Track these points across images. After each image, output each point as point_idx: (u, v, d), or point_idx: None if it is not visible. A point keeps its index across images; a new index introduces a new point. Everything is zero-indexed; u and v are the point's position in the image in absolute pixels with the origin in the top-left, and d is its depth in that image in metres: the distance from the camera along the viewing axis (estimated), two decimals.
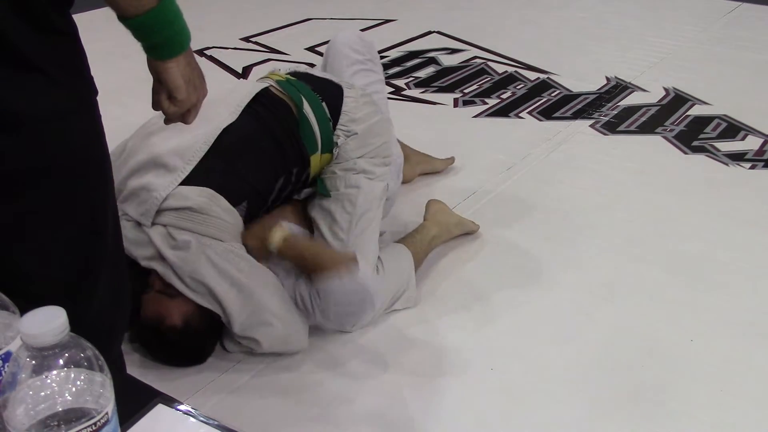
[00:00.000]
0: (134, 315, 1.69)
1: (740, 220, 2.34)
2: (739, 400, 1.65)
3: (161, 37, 1.02)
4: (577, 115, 3.09)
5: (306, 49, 3.89)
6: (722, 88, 3.37)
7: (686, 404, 1.64)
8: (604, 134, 2.94)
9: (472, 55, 3.81)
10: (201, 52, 3.74)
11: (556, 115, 3.11)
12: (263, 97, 1.90)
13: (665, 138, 2.90)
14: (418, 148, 2.84)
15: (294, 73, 2.07)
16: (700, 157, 2.75)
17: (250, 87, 1.93)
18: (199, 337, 1.71)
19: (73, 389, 0.67)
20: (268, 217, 1.81)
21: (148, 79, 1.10)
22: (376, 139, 1.97)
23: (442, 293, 2.01)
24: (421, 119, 3.07)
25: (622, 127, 2.99)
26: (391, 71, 3.58)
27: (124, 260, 1.22)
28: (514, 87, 3.40)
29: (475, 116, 3.10)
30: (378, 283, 1.80)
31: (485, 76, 3.54)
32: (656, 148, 2.83)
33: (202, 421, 0.88)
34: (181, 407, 0.89)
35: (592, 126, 3.00)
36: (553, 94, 3.31)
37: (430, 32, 4.16)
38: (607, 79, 3.48)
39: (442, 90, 3.37)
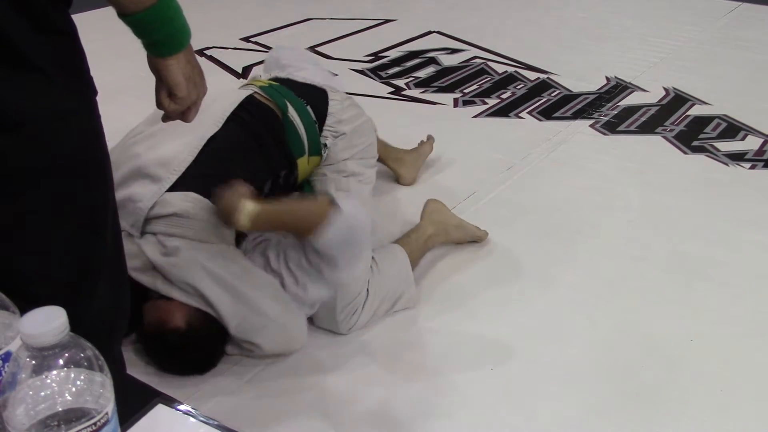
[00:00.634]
0: (138, 327, 1.70)
1: (740, 220, 2.34)
2: (739, 400, 1.65)
3: (162, 34, 1.02)
4: (577, 115, 3.09)
5: (306, 49, 3.89)
6: (722, 88, 3.37)
7: (686, 404, 1.64)
8: (604, 134, 2.94)
9: (472, 55, 3.81)
10: (201, 52, 3.74)
11: (556, 115, 3.11)
12: (248, 104, 1.90)
13: (665, 138, 2.90)
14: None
15: (276, 79, 2.09)
16: (700, 157, 2.75)
17: (235, 96, 1.92)
18: (204, 338, 1.67)
19: (73, 389, 0.67)
20: (228, 194, 1.63)
21: (148, 79, 1.10)
22: (362, 140, 2.00)
23: (441, 293, 2.01)
24: (421, 119, 3.07)
25: (622, 127, 2.99)
26: (391, 71, 3.58)
27: (124, 260, 1.22)
28: (514, 87, 3.40)
29: (475, 116, 3.10)
30: (360, 209, 1.70)
31: (485, 76, 3.54)
32: (656, 148, 2.83)
33: (202, 421, 0.88)
34: (181, 407, 0.89)
35: (592, 126, 3.00)
36: (553, 94, 3.31)
37: (430, 32, 4.16)
38: (607, 79, 3.48)
39: (442, 90, 3.37)
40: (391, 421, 1.60)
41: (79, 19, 1.00)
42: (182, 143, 1.74)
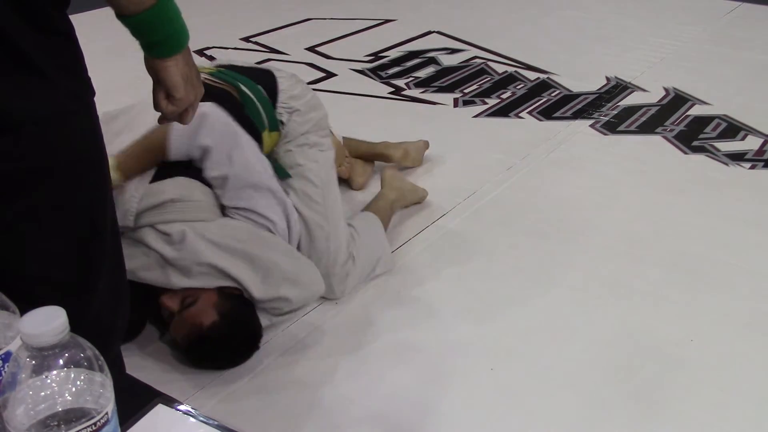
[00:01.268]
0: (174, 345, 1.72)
1: (740, 220, 2.34)
2: (739, 400, 1.65)
3: (161, 35, 1.02)
4: (577, 115, 3.09)
5: (306, 49, 3.90)
6: (722, 88, 3.37)
7: (686, 404, 1.64)
8: (604, 134, 2.94)
9: (472, 55, 3.81)
10: (201, 52, 3.74)
11: (556, 115, 3.11)
12: None
13: (665, 138, 2.90)
14: None
15: (219, 65, 2.12)
16: (700, 157, 2.75)
17: None
18: (240, 315, 1.71)
19: (73, 389, 0.67)
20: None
21: (145, 79, 1.09)
22: (315, 113, 2.06)
23: (441, 293, 2.01)
24: (421, 119, 3.07)
25: (622, 127, 2.99)
26: (391, 71, 3.58)
27: (123, 260, 1.22)
28: (514, 87, 3.40)
29: (475, 116, 3.10)
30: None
31: (485, 76, 3.54)
32: (656, 148, 2.83)
33: (201, 421, 0.88)
34: (181, 407, 0.89)
35: (592, 126, 3.00)
36: (553, 94, 3.31)
37: (430, 32, 4.16)
38: (607, 79, 3.48)
39: (442, 90, 3.37)
40: (391, 421, 1.60)
41: (78, 19, 1.00)
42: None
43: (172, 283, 1.67)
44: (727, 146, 2.82)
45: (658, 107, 3.18)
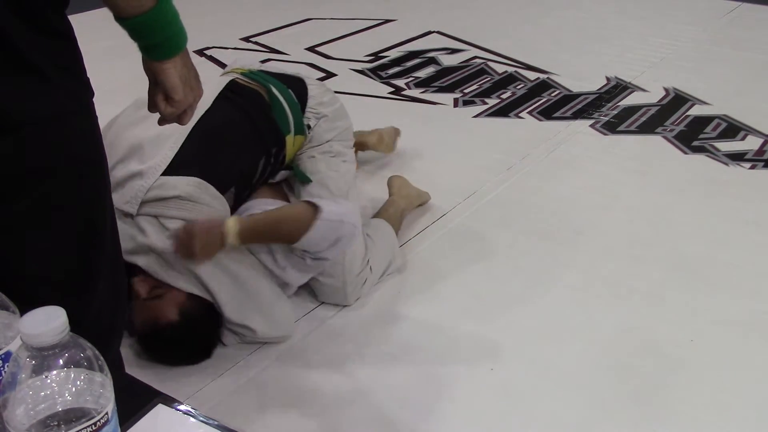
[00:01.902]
0: (131, 328, 1.71)
1: (740, 220, 2.34)
2: (739, 400, 1.65)
3: (159, 37, 1.02)
4: (577, 115, 3.09)
5: (306, 49, 3.90)
6: (722, 88, 3.37)
7: (686, 404, 1.64)
8: (604, 134, 2.94)
9: (472, 55, 3.81)
10: (201, 52, 3.74)
11: (556, 115, 3.11)
12: (233, 87, 1.97)
13: (665, 138, 2.90)
14: (418, 147, 2.85)
15: (250, 70, 2.13)
16: (700, 157, 2.75)
17: (219, 80, 2.00)
18: (199, 325, 1.70)
19: (73, 389, 0.67)
20: (198, 228, 1.65)
21: (144, 79, 1.09)
22: (342, 122, 2.09)
23: (441, 293, 2.01)
24: (421, 119, 3.07)
25: (622, 127, 2.99)
26: (391, 71, 3.58)
27: (123, 260, 1.22)
28: (514, 87, 3.40)
29: (475, 116, 3.10)
30: (343, 205, 1.80)
31: (485, 76, 3.54)
32: (656, 148, 2.83)
33: (202, 421, 0.88)
34: (181, 407, 0.89)
35: (592, 126, 3.00)
36: (553, 94, 3.31)
37: (430, 32, 4.16)
38: (607, 79, 3.48)
39: (442, 90, 3.37)
40: (391, 422, 1.60)
41: (78, 19, 1.01)
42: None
43: (152, 269, 1.67)
44: (727, 146, 2.82)
45: (658, 107, 3.18)
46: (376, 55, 3.80)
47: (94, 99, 1.04)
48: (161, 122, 1.15)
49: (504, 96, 3.30)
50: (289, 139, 1.97)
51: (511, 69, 3.62)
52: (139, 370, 1.70)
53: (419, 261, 2.14)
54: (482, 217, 2.34)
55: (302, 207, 1.73)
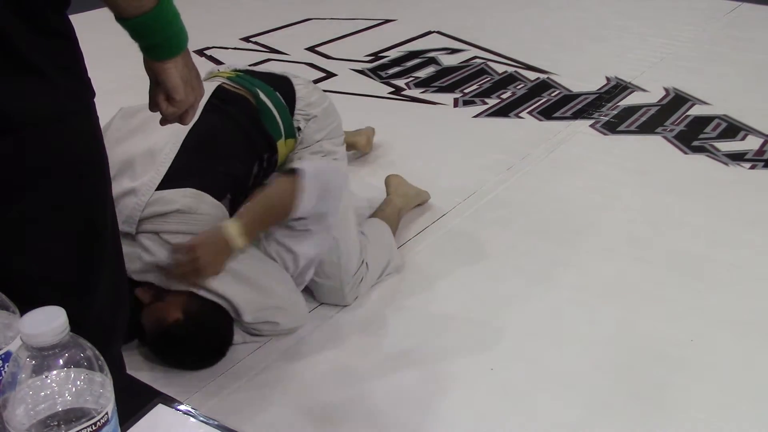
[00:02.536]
0: (141, 334, 1.72)
1: (740, 220, 2.34)
2: (739, 400, 1.65)
3: (160, 37, 1.02)
4: (577, 115, 3.09)
5: (306, 49, 3.90)
6: (722, 88, 3.37)
7: (686, 404, 1.64)
8: (604, 134, 2.94)
9: (472, 55, 3.81)
10: (201, 52, 3.74)
11: (556, 115, 3.11)
12: (219, 93, 1.93)
13: (665, 138, 2.90)
14: (417, 147, 2.85)
15: (237, 70, 2.12)
16: (700, 157, 2.75)
17: (206, 86, 1.96)
18: (207, 319, 1.70)
19: (73, 389, 0.67)
20: (202, 240, 1.65)
21: (145, 79, 1.09)
22: (331, 120, 2.07)
23: (441, 293, 2.01)
24: (421, 119, 3.07)
25: (622, 127, 2.99)
26: (391, 71, 3.58)
27: (123, 260, 1.22)
28: (514, 87, 3.40)
29: (475, 116, 3.10)
30: (322, 163, 1.83)
31: (485, 76, 3.54)
32: (656, 148, 2.83)
33: (202, 421, 0.88)
34: (181, 407, 0.89)
35: (592, 126, 3.00)
36: (553, 94, 3.31)
37: (430, 32, 4.16)
38: (607, 79, 3.48)
39: (442, 90, 3.37)
40: (391, 422, 1.60)
41: (79, 19, 1.01)
42: (165, 135, 1.74)
43: (166, 284, 1.67)
44: (727, 146, 2.82)
45: (658, 107, 3.18)
46: (376, 55, 3.81)
47: (95, 99, 1.04)
48: (163, 122, 1.14)
49: (504, 96, 3.30)
50: (280, 143, 1.95)
51: (511, 69, 3.62)
52: (139, 370, 1.70)
53: (419, 261, 2.14)
54: (482, 217, 2.34)
55: (283, 179, 1.76)
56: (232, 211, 1.79)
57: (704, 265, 2.12)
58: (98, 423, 0.67)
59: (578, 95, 3.30)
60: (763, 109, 3.13)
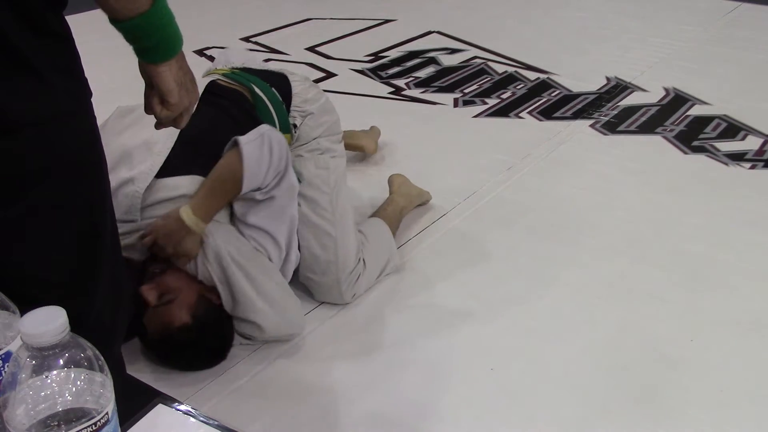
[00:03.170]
0: (142, 338, 1.72)
1: (740, 220, 2.34)
2: (739, 400, 1.65)
3: (154, 40, 1.01)
4: (577, 115, 3.09)
5: (306, 49, 3.90)
6: (722, 88, 3.37)
7: (686, 404, 1.64)
8: (604, 134, 2.94)
9: (472, 55, 3.81)
10: (201, 52, 3.74)
11: (556, 115, 3.11)
12: (213, 88, 1.94)
13: (665, 138, 2.90)
14: (417, 147, 2.85)
15: (233, 68, 2.11)
16: (700, 157, 2.75)
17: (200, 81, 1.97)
18: (212, 324, 1.70)
19: (73, 389, 0.67)
20: (158, 224, 1.68)
21: (141, 80, 1.09)
22: (328, 117, 2.06)
23: (441, 293, 2.01)
24: (421, 119, 3.07)
25: (622, 127, 2.99)
26: (391, 71, 3.58)
27: (123, 260, 1.22)
28: (514, 87, 3.40)
29: (475, 116, 3.10)
30: (253, 132, 1.79)
31: (485, 76, 3.54)
32: (656, 148, 2.83)
33: (202, 421, 0.88)
34: (181, 407, 0.89)
35: (592, 126, 3.00)
36: (553, 94, 3.31)
37: (430, 32, 4.16)
38: (607, 79, 3.48)
39: (442, 90, 3.37)
40: (391, 422, 1.60)
41: (77, 19, 1.01)
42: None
43: (190, 268, 1.68)
44: (727, 146, 2.82)
45: (658, 107, 3.18)
46: (376, 55, 3.81)
47: (92, 99, 1.04)
48: (158, 126, 1.14)
49: (504, 96, 3.30)
50: None
51: (511, 69, 3.62)
52: (139, 371, 1.70)
53: (419, 261, 2.14)
54: (482, 217, 2.34)
55: (225, 155, 1.74)
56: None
57: (704, 265, 2.12)
58: (98, 423, 0.67)
59: (578, 95, 3.30)
60: (763, 109, 3.13)
